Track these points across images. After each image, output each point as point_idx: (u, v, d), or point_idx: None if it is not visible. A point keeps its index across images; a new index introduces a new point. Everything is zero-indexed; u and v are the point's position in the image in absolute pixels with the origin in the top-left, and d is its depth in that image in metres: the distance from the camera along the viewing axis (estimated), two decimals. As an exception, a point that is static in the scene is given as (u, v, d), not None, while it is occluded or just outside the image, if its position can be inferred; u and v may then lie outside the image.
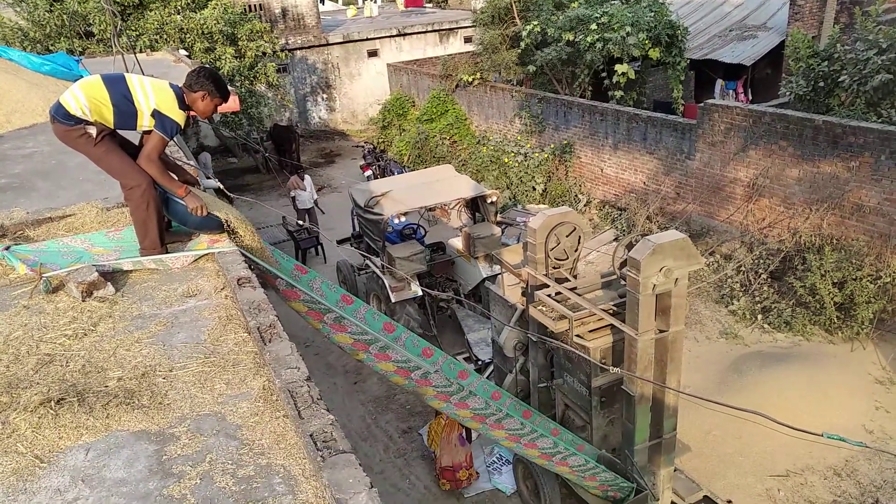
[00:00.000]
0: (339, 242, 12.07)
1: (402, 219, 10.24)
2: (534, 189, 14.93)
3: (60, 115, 3.80)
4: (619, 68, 14.49)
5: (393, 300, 9.20)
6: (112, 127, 3.89)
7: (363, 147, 18.48)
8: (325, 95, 23.05)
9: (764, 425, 7.26)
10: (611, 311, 6.18)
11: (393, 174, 16.21)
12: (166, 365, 2.88)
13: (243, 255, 3.82)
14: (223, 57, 16.95)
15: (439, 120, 18.34)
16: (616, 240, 13.26)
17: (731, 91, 18.96)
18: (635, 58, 15.00)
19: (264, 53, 18.57)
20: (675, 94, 15.72)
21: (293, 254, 13.51)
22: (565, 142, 14.80)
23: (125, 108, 3.83)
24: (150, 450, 2.40)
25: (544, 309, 6.46)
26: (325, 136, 22.89)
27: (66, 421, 2.53)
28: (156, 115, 3.83)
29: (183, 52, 15.75)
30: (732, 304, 10.73)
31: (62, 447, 2.44)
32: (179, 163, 4.46)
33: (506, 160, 15.29)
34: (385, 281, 9.39)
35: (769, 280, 10.78)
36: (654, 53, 14.47)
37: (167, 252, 3.99)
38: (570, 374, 6.71)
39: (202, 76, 3.93)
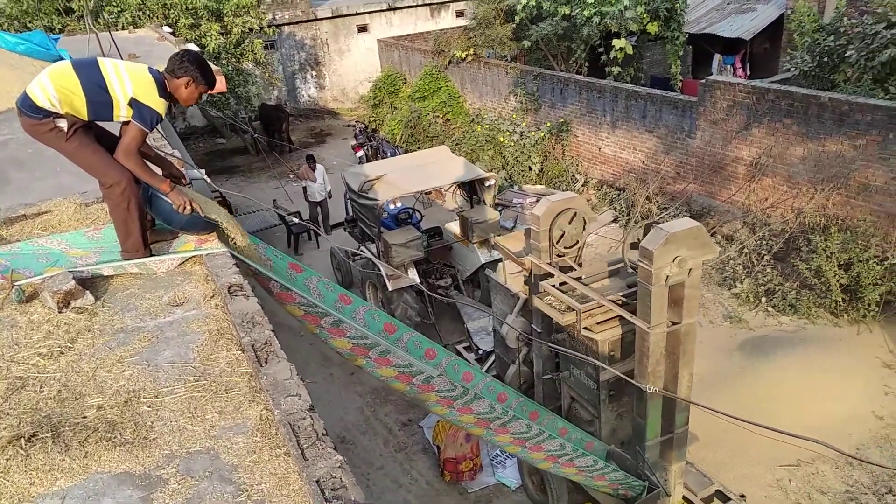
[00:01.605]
0: (333, 227, 11.75)
1: (398, 203, 9.92)
2: (530, 169, 14.60)
3: (27, 108, 3.45)
4: (617, 43, 14.12)
5: (390, 288, 8.91)
6: (85, 118, 3.54)
7: (354, 126, 18.04)
8: (314, 73, 22.49)
9: (776, 415, 7.08)
10: (619, 302, 5.94)
11: (385, 154, 15.85)
12: (151, 389, 2.59)
13: (233, 256, 3.51)
14: (209, 34, 16.40)
15: (432, 98, 17.90)
16: (615, 221, 13.01)
17: (728, 66, 18.60)
18: (633, 32, 14.61)
19: (251, 30, 18.00)
20: (673, 70, 15.38)
21: (285, 239, 13.16)
22: (562, 120, 14.44)
23: (99, 97, 3.48)
24: (135, 497, 2.12)
25: (550, 300, 6.20)
26: (314, 114, 22.38)
27: (39, 462, 2.25)
28: (133, 104, 3.49)
29: (167, 28, 15.18)
30: (735, 286, 10.52)
31: (33, 494, 2.15)
32: (163, 154, 4.12)
33: (501, 139, 14.94)
34: (381, 269, 9.09)
35: (773, 262, 10.57)
36: (653, 28, 14.09)
37: (151, 254, 3.67)
38: (576, 367, 6.48)
39: (186, 61, 3.58)
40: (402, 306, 9.11)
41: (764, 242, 10.80)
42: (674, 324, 5.53)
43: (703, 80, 11.77)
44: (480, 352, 8.62)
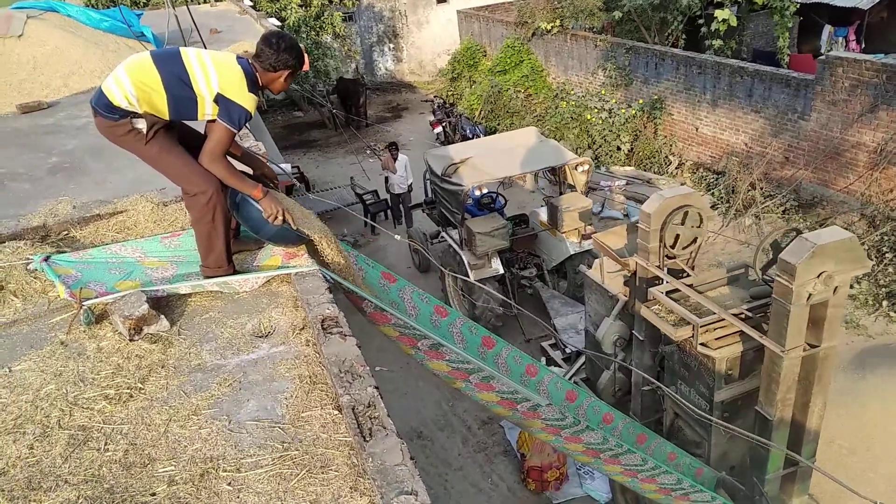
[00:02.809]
0: (412, 208, 11.32)
1: (483, 189, 9.35)
2: (619, 149, 13.72)
3: (102, 107, 3.06)
4: (720, 14, 12.93)
5: (472, 279, 8.40)
6: (167, 118, 3.13)
7: (432, 102, 17.46)
8: (391, 45, 22.00)
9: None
10: (742, 317, 5.23)
11: (465, 131, 15.25)
12: (233, 458, 2.16)
13: (325, 276, 3.06)
14: (289, 6, 16.09)
15: (513, 71, 17.11)
16: (713, 208, 12.03)
17: (840, 38, 16.94)
18: (736, 1, 13.39)
19: (330, 2, 17.61)
20: (780, 44, 14.06)
21: (361, 219, 12.81)
22: (655, 97, 13.45)
23: (182, 93, 3.06)
24: None
25: (659, 309, 5.55)
26: (391, 88, 21.94)
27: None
28: (220, 100, 3.05)
29: (247, 1, 14.96)
30: (852, 287, 9.50)
31: None
32: (252, 152, 3.69)
33: (588, 117, 14.08)
34: (463, 257, 8.59)
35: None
36: (761, -4, 12.85)
37: (234, 272, 3.26)
38: (685, 383, 5.82)
39: (283, 51, 3.12)
40: (483, 297, 8.60)
41: (886, 238, 9.70)
42: (811, 346, 4.80)
43: (822, 56, 10.59)
44: (568, 350, 8.03)
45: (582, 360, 7.70)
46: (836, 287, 4.57)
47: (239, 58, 3.18)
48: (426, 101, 18.61)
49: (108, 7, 13.59)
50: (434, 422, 8.23)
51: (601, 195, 12.45)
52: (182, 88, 3.05)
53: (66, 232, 3.73)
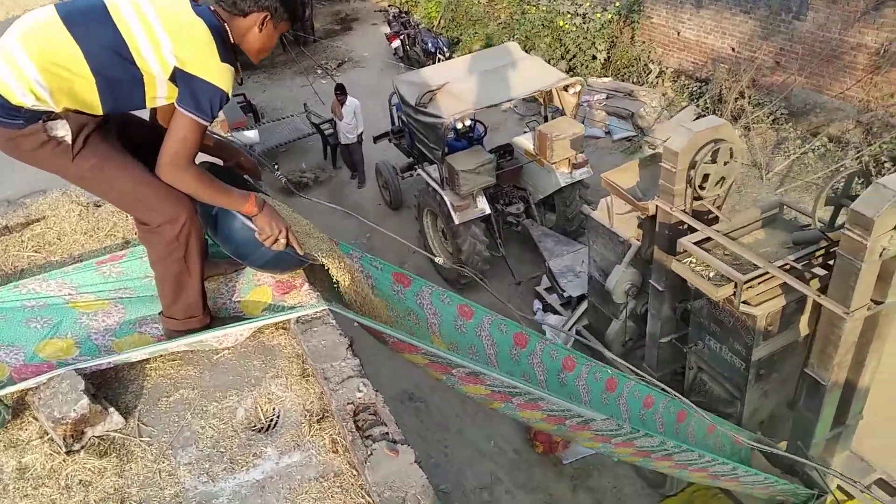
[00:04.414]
0: (377, 139, 10.24)
1: (467, 122, 8.32)
2: (594, 58, 12.69)
3: None
4: None
5: (456, 221, 7.57)
6: (100, 113, 2.08)
7: (387, 11, 15.91)
8: (334, -54, 19.88)
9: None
10: (787, 268, 4.58)
11: (426, 44, 13.92)
12: None
13: (334, 313, 2.19)
14: None
15: (473, -27, 15.60)
16: (699, 118, 11.25)
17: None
18: None
19: None
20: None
21: (321, 150, 11.66)
22: (632, -1, 12.35)
23: (119, 72, 2.01)
24: None
25: (693, 262, 4.85)
26: (337, -4, 20.03)
27: None
28: (179, 77, 2.04)
29: None
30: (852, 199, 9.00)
31: None
32: (222, 137, 2.65)
33: (560, 23, 12.92)
34: (445, 197, 7.71)
35: (897, 171, 8.96)
36: None
37: (210, 322, 2.32)
38: (715, 339, 5.23)
39: None
40: (469, 240, 7.81)
41: (885, 147, 9.15)
42: (875, 303, 4.20)
43: (822, -53, 9.62)
44: (566, 296, 7.37)
45: (584, 306, 7.07)
46: (911, 238, 3.92)
47: (197, 6, 2.11)
48: (379, 10, 16.99)
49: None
50: (426, 382, 7.57)
51: (580, 112, 11.52)
52: (119, 65, 2.00)
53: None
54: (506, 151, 8.48)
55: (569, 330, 6.95)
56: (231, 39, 2.16)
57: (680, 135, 4.94)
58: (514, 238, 8.78)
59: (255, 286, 2.50)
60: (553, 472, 6.45)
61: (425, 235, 8.68)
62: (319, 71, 14.85)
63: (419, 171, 8.45)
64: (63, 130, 2.00)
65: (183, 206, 2.15)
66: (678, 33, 11.99)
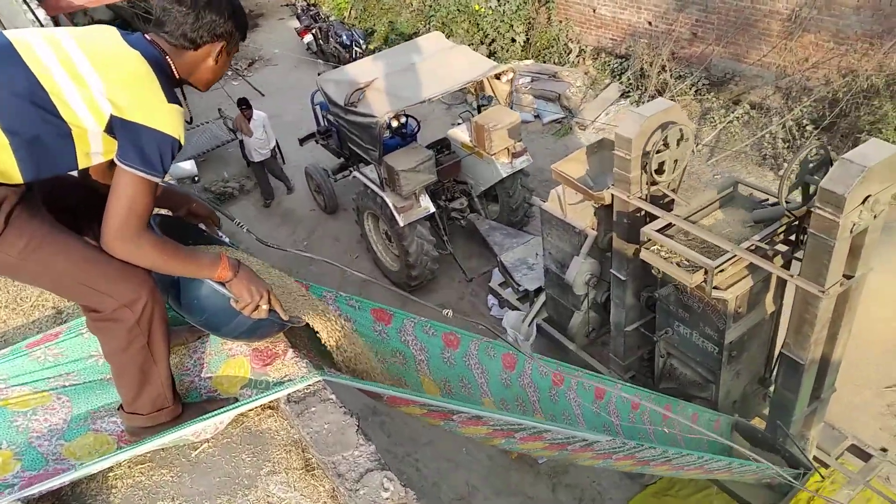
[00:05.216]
0: (302, 140, 9.74)
1: (401, 119, 7.95)
2: (513, 41, 12.54)
3: None
4: None
5: (401, 223, 7.25)
6: (20, 181, 1.65)
7: (294, 6, 15.24)
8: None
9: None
10: (752, 248, 4.54)
11: (340, 38, 13.40)
12: None
13: (327, 381, 1.87)
14: None
15: (379, -40, 15.13)
16: (624, 96, 11.31)
17: None
18: None
19: None
20: None
21: (241, 158, 10.99)
22: (546, -22, 12.25)
23: (39, 128, 1.60)
24: None
25: (659, 250, 4.74)
26: (237, -9, 19.09)
27: None
28: (117, 126, 1.65)
29: None
30: (779, 165, 9.24)
31: None
32: (168, 184, 2.23)
33: (476, 7, 12.70)
34: (386, 199, 7.37)
35: (819, 134, 9.24)
36: None
37: (182, 412, 1.93)
38: (685, 325, 5.16)
39: (213, 8, 1.74)
40: (416, 241, 7.51)
41: (805, 111, 9.42)
42: (847, 278, 4.19)
43: (728, -83, 9.76)
44: (522, 290, 7.20)
45: (542, 299, 6.92)
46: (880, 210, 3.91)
47: (125, 34, 1.74)
48: (285, 4, 16.27)
49: None
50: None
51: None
52: (38, 118, 1.59)
53: None
54: (443, 146, 8.21)
55: (529, 325, 6.79)
56: (176, 74, 1.79)
57: (630, 120, 4.80)
58: (459, 234, 8.54)
59: (227, 357, 2.12)
60: (530, 474, 6.30)
61: (369, 239, 8.32)
62: (230, 72, 14.07)
63: (355, 173, 8.06)
64: None
65: (141, 283, 1.77)
66: (594, 10, 11.98)
